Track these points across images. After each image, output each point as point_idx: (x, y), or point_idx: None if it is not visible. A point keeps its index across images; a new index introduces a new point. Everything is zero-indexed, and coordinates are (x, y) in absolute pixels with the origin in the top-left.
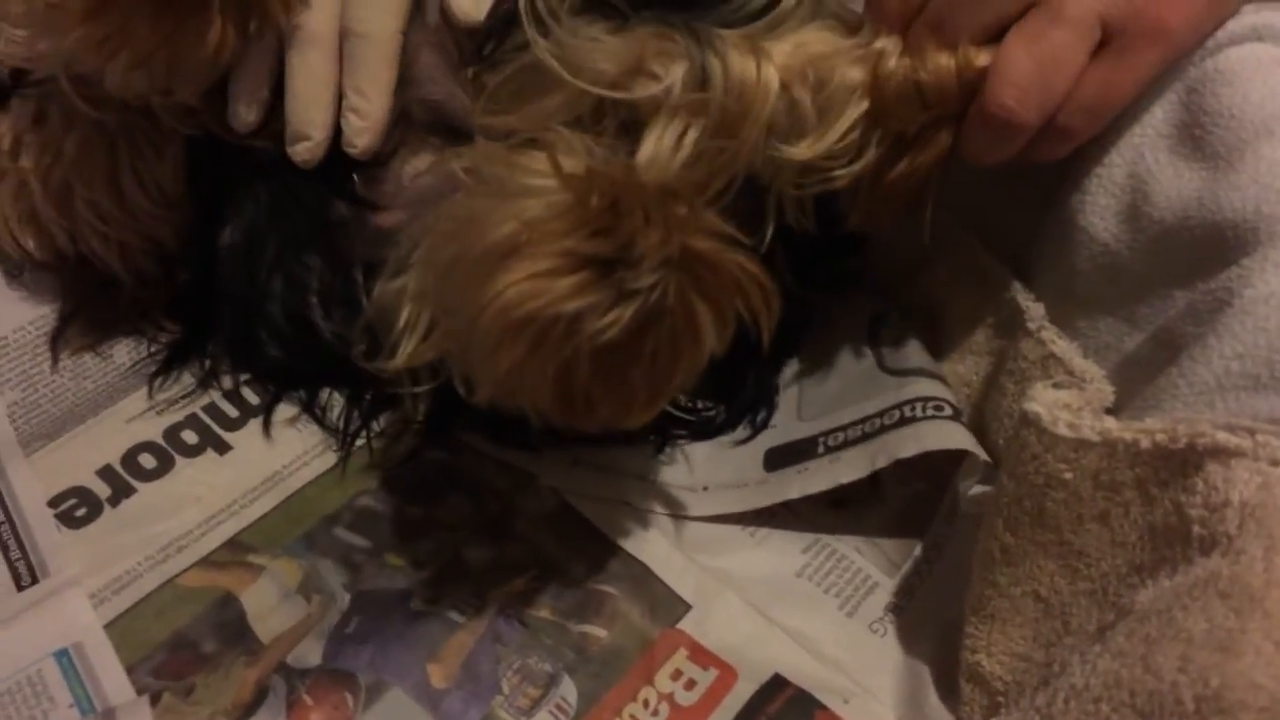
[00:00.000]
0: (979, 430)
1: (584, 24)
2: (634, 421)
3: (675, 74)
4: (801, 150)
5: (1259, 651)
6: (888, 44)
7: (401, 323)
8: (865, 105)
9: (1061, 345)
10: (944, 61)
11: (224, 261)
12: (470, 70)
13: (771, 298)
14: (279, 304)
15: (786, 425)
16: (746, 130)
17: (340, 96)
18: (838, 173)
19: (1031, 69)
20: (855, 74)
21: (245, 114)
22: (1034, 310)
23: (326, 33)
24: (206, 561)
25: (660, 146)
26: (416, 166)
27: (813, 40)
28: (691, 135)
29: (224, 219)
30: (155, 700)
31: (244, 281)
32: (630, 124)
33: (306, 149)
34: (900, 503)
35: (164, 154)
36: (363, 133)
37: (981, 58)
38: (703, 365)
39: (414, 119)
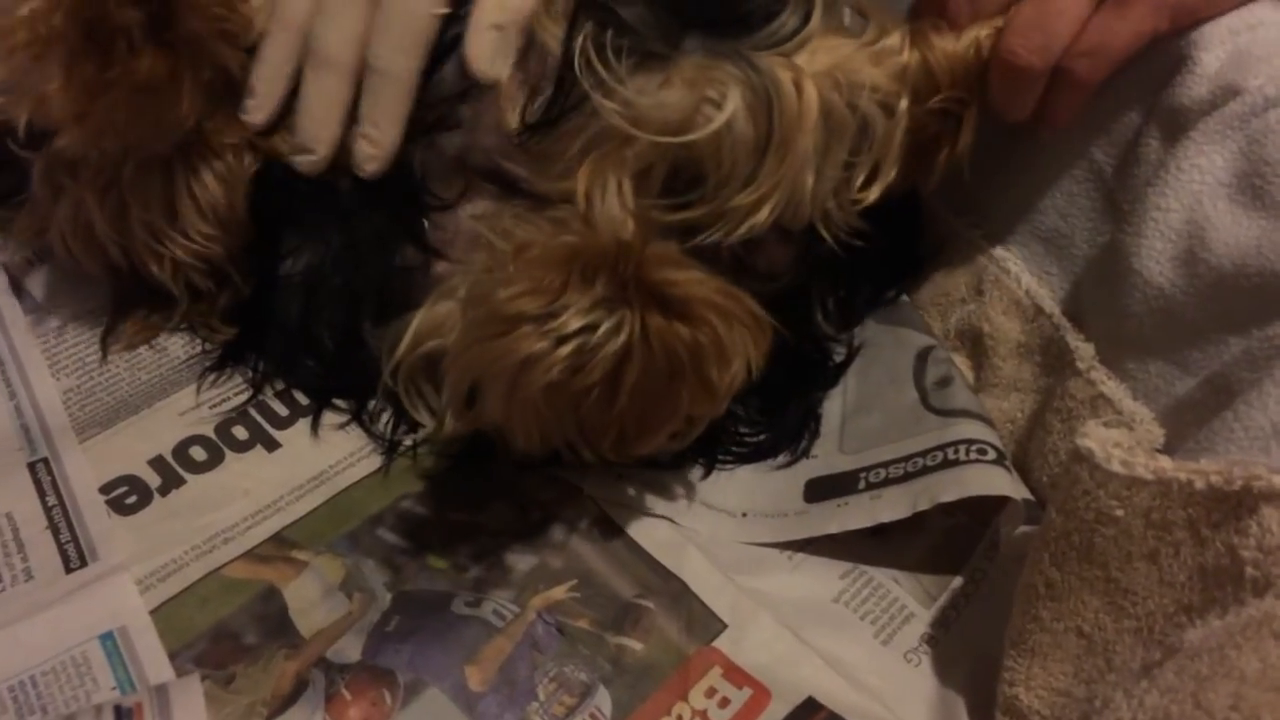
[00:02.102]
0: (1022, 467)
1: (635, 74)
2: (678, 443)
3: (734, 99)
4: (875, 191)
5: None
6: (894, 39)
7: (446, 398)
8: (906, 122)
9: (1111, 386)
10: (950, 45)
11: (281, 290)
12: (517, 136)
13: (759, 320)
14: (329, 333)
15: (828, 457)
16: (799, 144)
17: (354, 119)
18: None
19: (1034, 17)
20: (881, 77)
21: (254, 114)
22: (1084, 350)
23: (346, 59)
24: (251, 555)
25: (606, 208)
26: (473, 211)
27: (826, 47)
28: (628, 186)
29: (287, 248)
30: None
31: (299, 315)
32: (683, 166)
33: (310, 163)
34: (940, 535)
35: (231, 180)
36: (372, 160)
37: (984, 30)
38: (722, 386)
39: (477, 165)
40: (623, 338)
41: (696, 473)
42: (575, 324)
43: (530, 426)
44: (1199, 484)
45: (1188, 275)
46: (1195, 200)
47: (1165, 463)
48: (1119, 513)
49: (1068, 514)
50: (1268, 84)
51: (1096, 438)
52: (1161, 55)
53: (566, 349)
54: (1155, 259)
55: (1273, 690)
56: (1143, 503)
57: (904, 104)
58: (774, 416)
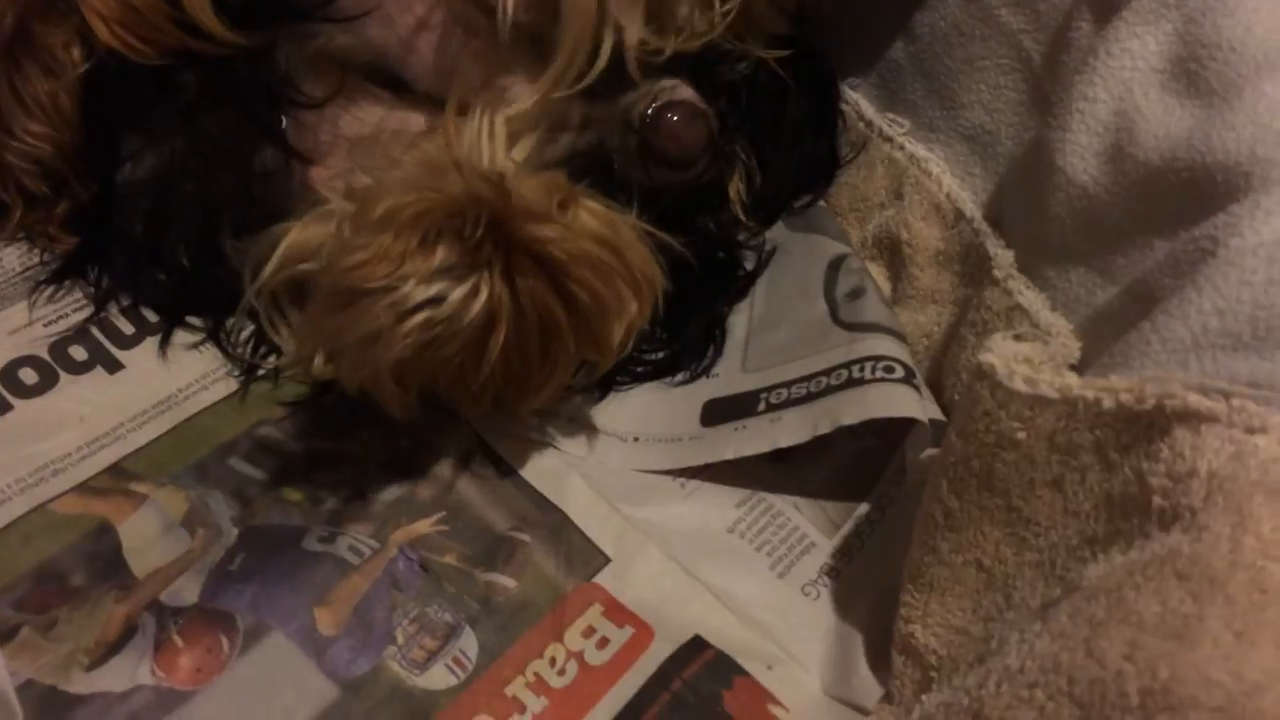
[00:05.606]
0: (936, 386)
1: None
2: (578, 387)
3: None
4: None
5: (1217, 642)
6: None
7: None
8: None
9: (1028, 296)
10: None
11: (121, 198)
12: None
13: (643, 275)
14: (183, 245)
15: (729, 376)
16: None
17: None
18: None
19: None
20: None
21: None
22: (1002, 257)
23: None
24: (84, 487)
25: (469, 147)
26: (357, 116)
27: None
28: (500, 121)
29: (126, 151)
30: (13, 634)
31: (145, 225)
32: None
33: None
34: (847, 458)
35: (59, 74)
36: None
37: None
38: (614, 339)
39: (353, 63)
40: (480, 304)
41: (589, 395)
42: (419, 296)
43: (392, 394)
44: (1108, 403)
45: (1113, 172)
46: (1125, 89)
47: (1071, 380)
48: (1021, 435)
49: (967, 437)
50: None
51: (1000, 352)
52: None
53: (411, 323)
54: (1080, 155)
55: (1172, 638)
56: (1047, 424)
57: None
58: (677, 331)
